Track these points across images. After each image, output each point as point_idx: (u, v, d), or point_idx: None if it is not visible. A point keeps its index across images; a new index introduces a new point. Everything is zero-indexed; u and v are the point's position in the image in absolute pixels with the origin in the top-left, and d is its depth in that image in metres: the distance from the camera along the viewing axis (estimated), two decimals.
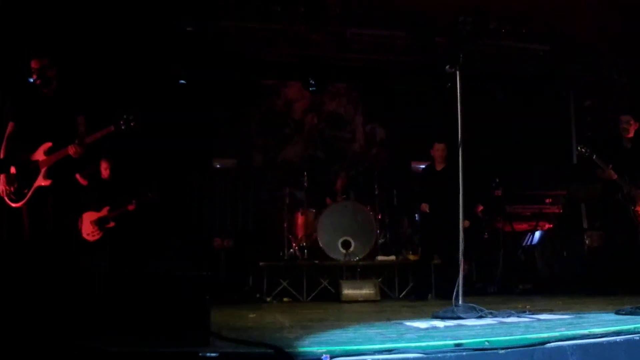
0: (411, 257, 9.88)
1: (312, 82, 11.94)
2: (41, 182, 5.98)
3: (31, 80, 6.09)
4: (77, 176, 7.52)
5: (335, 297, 9.13)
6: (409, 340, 3.81)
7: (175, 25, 9.70)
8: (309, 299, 9.37)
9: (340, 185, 11.09)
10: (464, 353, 3.37)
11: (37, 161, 6.01)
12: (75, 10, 8.89)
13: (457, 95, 5.89)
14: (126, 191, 9.07)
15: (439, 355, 3.33)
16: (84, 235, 8.68)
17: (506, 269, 9.89)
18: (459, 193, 8.05)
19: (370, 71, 11.79)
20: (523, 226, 10.25)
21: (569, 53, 11.24)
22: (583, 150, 8.19)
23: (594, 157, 8.11)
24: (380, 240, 10.17)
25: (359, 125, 12.77)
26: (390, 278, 9.74)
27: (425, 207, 9.42)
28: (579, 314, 5.15)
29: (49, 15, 8.70)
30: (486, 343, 3.51)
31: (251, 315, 6.56)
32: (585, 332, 3.69)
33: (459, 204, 8.13)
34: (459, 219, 8.58)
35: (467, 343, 3.52)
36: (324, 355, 3.33)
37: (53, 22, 8.74)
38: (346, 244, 9.64)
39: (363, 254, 9.71)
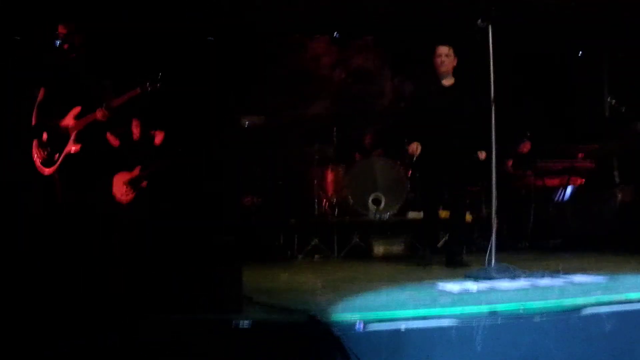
0: (442, 212, 9.80)
1: (336, 35, 11.90)
2: (71, 146, 6.01)
3: (57, 44, 6.08)
4: (108, 135, 7.55)
5: (366, 254, 9.15)
6: (443, 306, 3.80)
7: None
8: (340, 255, 9.36)
9: (370, 140, 11.04)
10: (499, 320, 3.36)
11: (66, 126, 6.04)
12: None
13: (489, 50, 5.81)
14: (156, 150, 9.09)
15: (474, 322, 3.33)
16: (118, 196, 8.70)
17: (537, 224, 9.80)
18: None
19: (398, 24, 11.64)
20: (554, 181, 10.10)
21: (601, 4, 11.00)
22: (613, 102, 8.07)
23: (623, 109, 8.00)
24: (411, 195, 10.10)
25: (387, 79, 12.63)
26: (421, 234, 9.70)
27: (414, 148, 7.25)
28: (613, 275, 5.10)
29: None
30: (521, 310, 3.49)
31: (283, 275, 6.59)
32: (622, 297, 3.66)
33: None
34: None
35: (501, 309, 3.50)
36: (358, 323, 3.33)
37: None
38: (377, 201, 9.60)
39: (394, 210, 9.66)
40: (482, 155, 7.12)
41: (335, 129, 10.53)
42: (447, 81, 7.41)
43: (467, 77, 7.29)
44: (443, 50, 7.33)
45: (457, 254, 7.14)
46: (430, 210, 7.58)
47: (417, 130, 7.37)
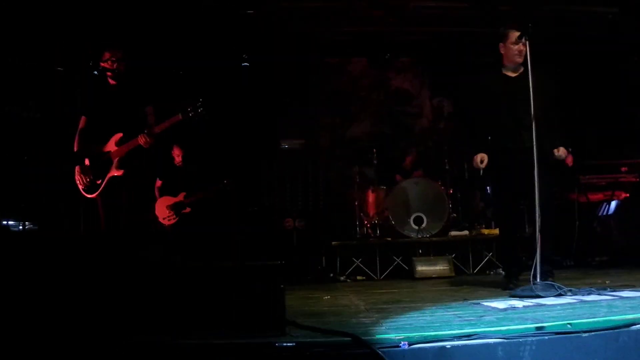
0: (485, 231, 9.72)
1: (377, 58, 11.94)
2: (114, 172, 6.07)
3: (96, 72, 6.15)
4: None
5: (409, 274, 9.08)
6: (488, 324, 3.74)
7: (236, 9, 9.69)
8: (382, 276, 9.34)
9: (410, 161, 11.03)
10: (546, 337, 3.30)
11: (109, 152, 6.11)
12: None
13: (527, 65, 5.75)
14: (200, 177, 9.20)
15: (520, 339, 3.27)
16: (160, 219, 8.84)
17: (582, 241, 9.64)
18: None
19: (435, 44, 11.64)
20: (598, 196, 9.94)
21: (638, 14, 10.88)
22: None
23: None
24: (453, 216, 10.05)
25: (426, 99, 12.63)
26: (464, 254, 9.61)
27: (479, 160, 6.22)
28: None
29: (115, 8, 8.80)
30: (568, 326, 3.42)
31: (325, 298, 6.56)
32: None
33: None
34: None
35: (548, 326, 3.44)
36: (402, 343, 3.30)
37: (119, 15, 8.85)
38: (418, 221, 9.56)
39: (435, 230, 9.62)
40: (559, 152, 6.31)
41: (374, 150, 10.51)
42: (514, 72, 6.27)
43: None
44: (516, 35, 6.01)
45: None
46: (508, 226, 6.53)
47: (483, 134, 6.31)
